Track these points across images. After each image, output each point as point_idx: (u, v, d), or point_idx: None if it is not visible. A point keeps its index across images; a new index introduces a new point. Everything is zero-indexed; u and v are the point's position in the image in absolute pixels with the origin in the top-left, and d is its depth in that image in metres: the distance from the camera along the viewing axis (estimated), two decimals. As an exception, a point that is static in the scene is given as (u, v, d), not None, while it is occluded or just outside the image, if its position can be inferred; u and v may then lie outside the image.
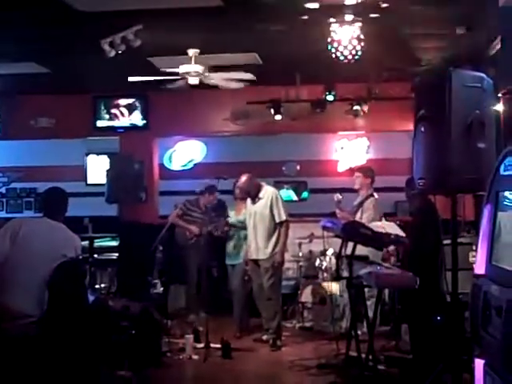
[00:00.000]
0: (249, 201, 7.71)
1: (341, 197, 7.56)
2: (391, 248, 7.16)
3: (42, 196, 5.14)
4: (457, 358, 4.20)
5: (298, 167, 11.93)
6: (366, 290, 6.24)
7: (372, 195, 7.55)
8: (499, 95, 6.43)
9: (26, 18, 6.38)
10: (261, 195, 7.55)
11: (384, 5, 6.01)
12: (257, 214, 7.52)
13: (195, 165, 12.10)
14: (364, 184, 7.62)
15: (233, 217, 8.30)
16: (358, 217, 7.32)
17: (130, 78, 7.52)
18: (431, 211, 6.18)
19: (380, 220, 7.10)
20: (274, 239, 7.44)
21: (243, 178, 7.67)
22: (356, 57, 6.15)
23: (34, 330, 4.29)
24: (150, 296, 8.02)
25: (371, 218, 7.09)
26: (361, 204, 7.48)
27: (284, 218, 7.46)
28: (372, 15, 6.12)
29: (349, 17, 6.03)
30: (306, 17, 6.26)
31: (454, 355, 4.22)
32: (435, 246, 6.02)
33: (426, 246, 6.08)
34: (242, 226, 7.92)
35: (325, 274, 8.23)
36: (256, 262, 7.56)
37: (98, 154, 11.97)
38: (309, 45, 7.02)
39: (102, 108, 10.28)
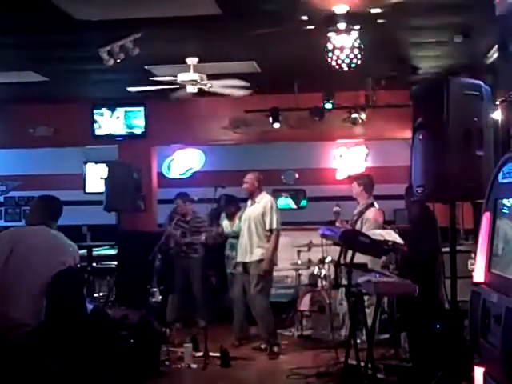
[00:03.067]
0: (247, 204, 7.72)
1: (339, 209, 7.52)
2: (387, 258, 7.15)
3: (36, 204, 5.09)
4: (456, 366, 4.19)
5: (297, 175, 11.95)
6: (365, 298, 6.23)
7: (372, 205, 7.51)
8: (497, 103, 6.45)
9: (25, 26, 6.40)
10: (258, 199, 7.57)
11: (381, 18, 6.04)
12: (251, 218, 7.54)
13: (194, 173, 12.12)
14: (359, 192, 7.58)
15: (227, 227, 8.34)
16: (358, 227, 7.30)
17: (130, 89, 7.54)
18: (430, 219, 6.20)
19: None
20: (263, 246, 7.42)
21: (249, 175, 7.70)
22: (354, 65, 6.16)
23: (31, 339, 4.27)
24: (149, 305, 8.00)
25: (371, 229, 7.05)
26: (361, 213, 7.46)
27: (274, 226, 7.44)
28: (370, 23, 6.13)
29: (345, 25, 6.04)
30: (304, 24, 6.28)
31: (454, 363, 4.22)
32: (434, 254, 6.03)
33: (425, 253, 6.08)
34: (236, 236, 7.94)
35: (324, 282, 8.22)
36: (245, 266, 7.54)
37: (96, 162, 11.98)
38: (307, 53, 7.04)
39: (101, 116, 10.29)
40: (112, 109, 10.26)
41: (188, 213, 8.74)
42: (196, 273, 8.66)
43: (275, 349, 7.39)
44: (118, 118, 10.26)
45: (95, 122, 10.26)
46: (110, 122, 10.25)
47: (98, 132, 10.28)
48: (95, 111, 10.26)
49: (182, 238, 8.64)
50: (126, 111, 10.25)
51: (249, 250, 7.49)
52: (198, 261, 8.65)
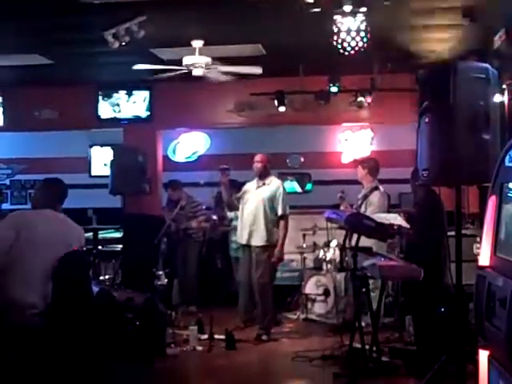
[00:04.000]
0: (251, 184, 7.63)
1: (344, 194, 7.50)
2: (393, 240, 7.15)
3: (40, 187, 5.10)
4: (461, 350, 4.20)
5: (302, 159, 11.92)
6: (370, 281, 6.24)
7: (377, 188, 7.49)
8: (504, 86, 6.42)
9: (30, 9, 6.37)
10: (267, 181, 7.48)
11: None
12: (258, 199, 7.41)
13: (199, 156, 12.11)
14: (363, 176, 7.56)
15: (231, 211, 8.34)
16: (362, 210, 7.29)
17: (136, 66, 7.52)
18: (436, 203, 6.19)
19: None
20: (270, 230, 7.35)
21: (261, 155, 7.57)
22: (360, 48, 6.12)
23: (38, 321, 4.30)
24: (155, 287, 8.02)
25: (375, 212, 7.04)
26: (365, 197, 7.45)
27: (287, 212, 7.40)
28: (376, 6, 6.09)
29: (352, 8, 6.00)
30: (310, 7, 6.24)
31: (458, 346, 4.23)
32: (439, 238, 6.03)
33: (430, 237, 6.08)
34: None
35: (329, 266, 8.23)
36: (249, 249, 7.46)
37: (101, 145, 12.00)
38: (313, 36, 6.99)
39: (106, 100, 10.28)
40: (117, 92, 10.25)
41: (181, 199, 8.75)
42: (191, 257, 8.75)
43: (264, 337, 7.29)
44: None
45: (100, 105, 10.24)
46: (115, 105, 10.24)
47: (103, 115, 10.26)
48: (100, 94, 10.24)
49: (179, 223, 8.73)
50: (131, 94, 10.23)
51: (253, 233, 7.38)
52: (194, 245, 8.74)
